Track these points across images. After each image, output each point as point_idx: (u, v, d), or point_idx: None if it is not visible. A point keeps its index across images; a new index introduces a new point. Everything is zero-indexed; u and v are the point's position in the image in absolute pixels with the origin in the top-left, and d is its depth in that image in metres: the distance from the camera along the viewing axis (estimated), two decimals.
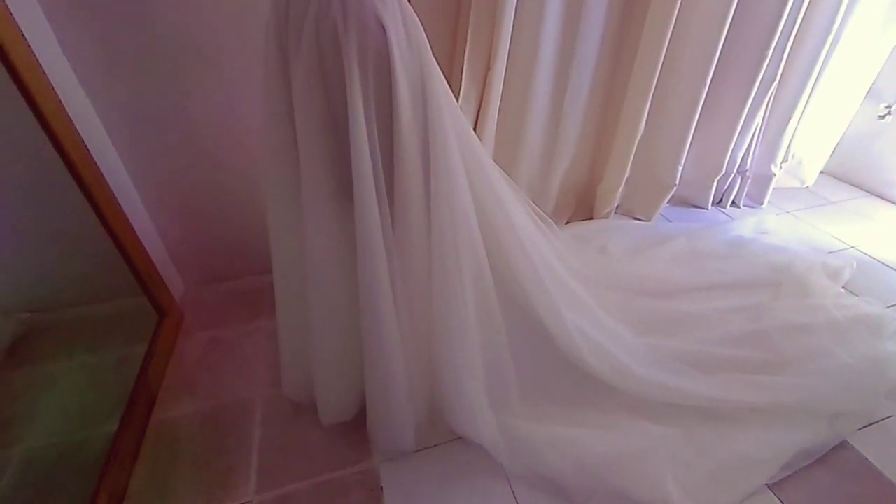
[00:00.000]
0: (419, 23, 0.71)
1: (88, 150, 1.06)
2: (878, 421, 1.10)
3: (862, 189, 2.07)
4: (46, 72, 0.95)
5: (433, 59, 0.74)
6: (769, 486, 0.97)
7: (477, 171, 0.88)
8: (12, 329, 1.29)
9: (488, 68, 1.29)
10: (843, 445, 1.04)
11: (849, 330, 1.26)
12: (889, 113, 1.89)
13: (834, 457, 1.02)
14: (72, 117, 1.01)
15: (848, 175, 2.11)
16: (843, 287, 1.48)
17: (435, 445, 1.05)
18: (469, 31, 1.24)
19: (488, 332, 0.98)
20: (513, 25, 1.23)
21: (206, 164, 1.33)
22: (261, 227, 1.49)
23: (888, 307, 1.43)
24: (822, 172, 2.11)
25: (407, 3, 0.70)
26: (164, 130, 1.25)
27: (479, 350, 0.96)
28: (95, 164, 1.08)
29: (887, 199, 2.00)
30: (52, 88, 0.96)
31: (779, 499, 0.95)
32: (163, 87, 1.18)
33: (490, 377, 1.00)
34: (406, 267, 0.86)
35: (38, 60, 0.93)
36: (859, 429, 1.07)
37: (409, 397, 0.96)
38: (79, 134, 1.03)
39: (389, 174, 0.77)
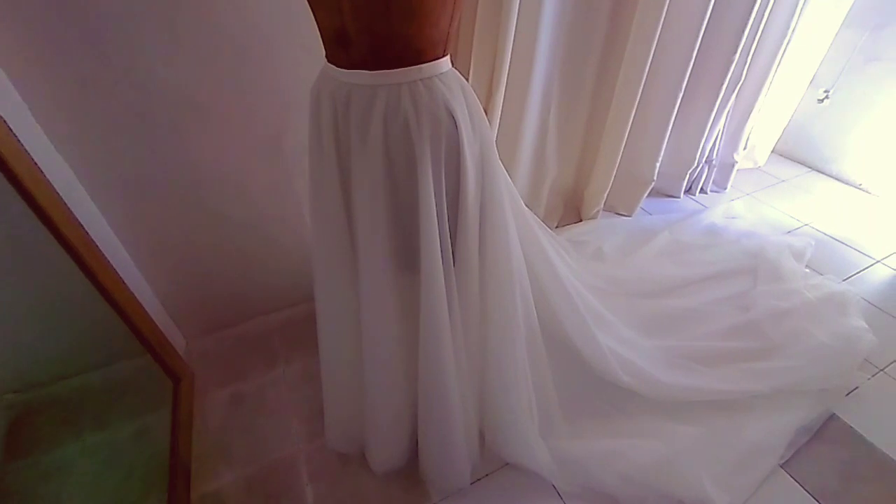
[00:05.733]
0: (479, 102, 0.70)
1: (73, 212, 0.96)
2: (852, 391, 1.27)
3: (805, 166, 2.30)
4: (21, 140, 0.84)
5: (489, 130, 0.74)
6: (781, 466, 1.10)
7: (523, 226, 0.91)
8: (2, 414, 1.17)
9: (490, 95, 1.29)
10: (831, 418, 1.21)
11: (821, 310, 1.42)
12: (827, 97, 2.09)
13: (825, 429, 1.18)
14: (52, 183, 0.91)
15: (793, 153, 2.33)
16: (806, 266, 1.66)
17: (486, 475, 1.10)
18: (471, 67, 1.26)
19: (535, 367, 1.02)
20: (510, 58, 1.25)
21: (197, 213, 1.24)
22: (259, 267, 1.45)
23: (844, 280, 1.63)
24: (771, 152, 2.31)
25: (466, 83, 0.69)
26: (153, 184, 1.15)
27: (532, 386, 1.01)
28: (81, 225, 0.98)
29: (826, 174, 2.23)
30: (32, 160, 0.86)
31: (790, 476, 1.09)
32: (154, 143, 1.08)
33: (538, 407, 1.06)
34: (464, 316, 0.88)
35: (13, 133, 0.82)
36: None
37: (465, 437, 0.99)
38: (61, 197, 0.93)
39: (453, 239, 0.79)
